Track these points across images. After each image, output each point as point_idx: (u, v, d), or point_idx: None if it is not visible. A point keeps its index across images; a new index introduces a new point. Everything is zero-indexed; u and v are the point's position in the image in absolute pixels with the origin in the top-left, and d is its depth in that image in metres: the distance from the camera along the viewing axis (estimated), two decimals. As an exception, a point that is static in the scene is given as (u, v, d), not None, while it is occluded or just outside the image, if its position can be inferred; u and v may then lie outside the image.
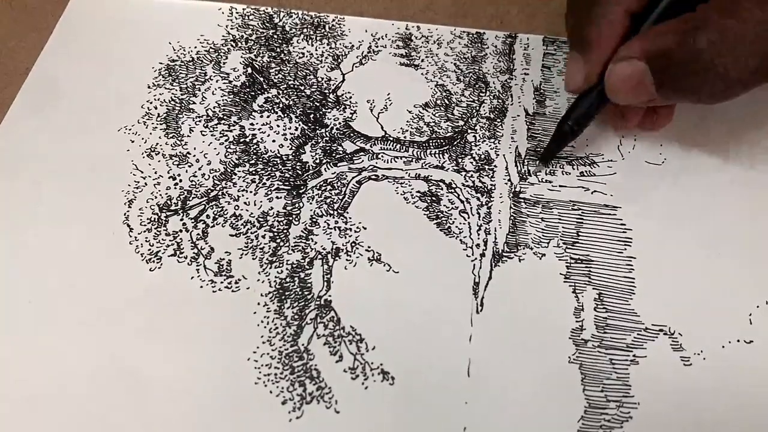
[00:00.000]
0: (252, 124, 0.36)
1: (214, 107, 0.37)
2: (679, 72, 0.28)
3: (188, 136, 0.36)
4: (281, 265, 0.32)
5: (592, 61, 0.31)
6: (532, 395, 0.29)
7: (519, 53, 0.39)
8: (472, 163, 0.35)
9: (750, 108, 0.37)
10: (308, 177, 0.35)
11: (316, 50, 0.39)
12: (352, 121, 0.37)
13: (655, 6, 0.30)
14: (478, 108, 0.37)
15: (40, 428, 0.28)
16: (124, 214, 0.33)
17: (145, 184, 0.34)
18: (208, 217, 0.33)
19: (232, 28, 0.40)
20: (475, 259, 0.32)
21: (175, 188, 0.34)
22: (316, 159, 0.35)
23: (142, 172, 0.35)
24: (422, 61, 0.39)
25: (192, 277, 0.32)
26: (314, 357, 0.30)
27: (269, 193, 0.34)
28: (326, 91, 0.38)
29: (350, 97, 0.37)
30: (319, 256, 0.32)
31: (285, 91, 0.38)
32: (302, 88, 0.38)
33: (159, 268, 0.32)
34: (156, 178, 0.35)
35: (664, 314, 0.31)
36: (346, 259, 0.32)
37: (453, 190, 0.34)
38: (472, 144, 0.36)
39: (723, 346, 0.30)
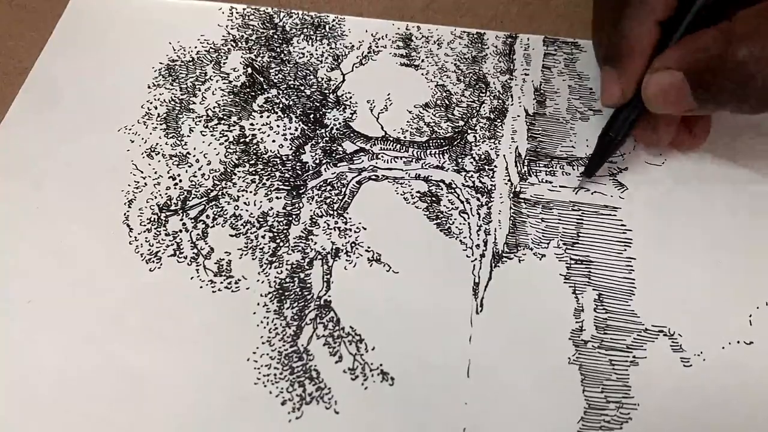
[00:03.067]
0: (252, 124, 0.36)
1: (214, 107, 0.37)
2: (718, 83, 0.28)
3: (188, 136, 0.36)
4: (281, 265, 0.32)
5: (627, 74, 0.31)
6: (532, 396, 0.29)
7: (519, 53, 0.39)
8: (472, 163, 0.35)
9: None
10: (308, 177, 0.35)
11: (317, 50, 0.39)
12: (352, 121, 0.37)
13: (684, 13, 0.30)
14: (478, 108, 0.37)
15: (40, 428, 0.28)
16: (124, 214, 0.33)
17: (145, 184, 0.34)
18: (207, 217, 0.33)
19: (232, 28, 0.40)
20: (475, 259, 0.32)
21: (175, 188, 0.34)
22: (316, 159, 0.35)
23: (142, 172, 0.35)
24: (422, 61, 0.39)
25: (192, 278, 0.32)
26: (314, 357, 0.30)
27: (269, 193, 0.34)
28: (326, 91, 0.38)
29: (350, 98, 0.37)
30: (319, 257, 0.32)
31: (285, 92, 0.38)
32: (302, 88, 0.38)
33: (159, 268, 0.32)
34: (156, 178, 0.35)
35: (664, 315, 0.31)
36: (346, 260, 0.32)
37: (453, 191, 0.34)
38: (472, 144, 0.36)
39: (723, 347, 0.30)
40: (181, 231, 0.33)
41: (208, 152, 0.35)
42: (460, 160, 0.35)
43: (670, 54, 0.30)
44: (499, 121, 0.37)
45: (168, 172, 0.35)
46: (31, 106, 0.37)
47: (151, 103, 0.37)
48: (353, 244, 0.33)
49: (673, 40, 0.30)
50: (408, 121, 0.37)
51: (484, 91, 0.38)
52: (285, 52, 0.39)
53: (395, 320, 0.31)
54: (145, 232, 0.33)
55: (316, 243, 0.33)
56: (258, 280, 0.32)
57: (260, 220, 0.33)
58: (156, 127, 0.36)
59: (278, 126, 0.36)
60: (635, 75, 0.31)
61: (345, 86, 0.38)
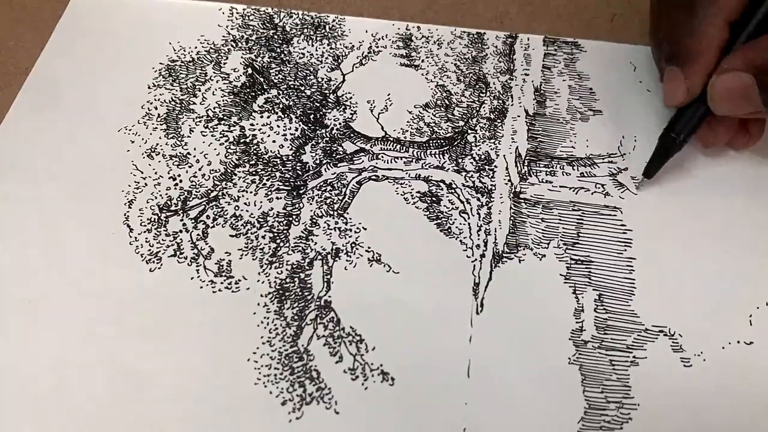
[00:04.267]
0: (252, 124, 0.36)
1: (214, 107, 0.37)
2: None
3: (188, 136, 0.36)
4: (281, 265, 0.32)
5: (694, 73, 0.31)
6: (532, 396, 0.29)
7: (519, 53, 0.39)
8: (472, 163, 0.35)
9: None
10: (308, 177, 0.35)
11: (317, 50, 0.39)
12: (352, 121, 0.37)
13: (753, 13, 0.30)
14: (478, 108, 0.37)
15: (39, 428, 0.28)
16: (124, 214, 0.33)
17: (145, 184, 0.34)
18: (208, 217, 0.33)
19: (232, 29, 0.40)
20: (476, 259, 0.32)
21: (175, 189, 0.34)
22: (317, 159, 0.35)
23: (142, 173, 0.35)
24: (422, 61, 0.39)
25: (192, 278, 0.32)
26: (314, 358, 0.30)
27: (269, 193, 0.34)
28: (326, 91, 0.38)
29: (350, 98, 0.37)
30: (319, 257, 0.32)
31: (285, 92, 0.38)
32: (302, 88, 0.38)
33: (159, 268, 0.32)
34: (156, 178, 0.35)
35: (664, 315, 0.31)
36: (346, 260, 0.32)
37: (453, 191, 0.34)
38: (473, 144, 0.36)
39: (723, 348, 0.30)
40: (181, 231, 0.33)
41: (209, 152, 0.35)
42: (460, 161, 0.35)
43: (738, 55, 0.29)
44: (499, 121, 0.37)
45: (168, 173, 0.35)
46: (32, 106, 0.37)
47: (151, 103, 0.37)
48: (353, 245, 0.33)
49: (740, 41, 0.30)
50: (408, 122, 0.37)
51: (484, 91, 0.38)
52: (285, 52, 0.39)
53: (395, 320, 0.31)
54: (145, 232, 0.33)
55: (316, 243, 0.33)
56: (258, 281, 0.32)
57: (260, 220, 0.33)
58: (156, 128, 0.36)
59: (278, 126, 0.36)
60: (703, 74, 0.31)
61: (345, 86, 0.38)
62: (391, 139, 0.36)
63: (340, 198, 0.34)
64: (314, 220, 0.33)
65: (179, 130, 0.36)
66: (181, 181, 0.34)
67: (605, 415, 0.29)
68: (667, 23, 0.33)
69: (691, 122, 0.32)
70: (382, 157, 0.36)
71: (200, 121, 0.36)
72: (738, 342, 0.30)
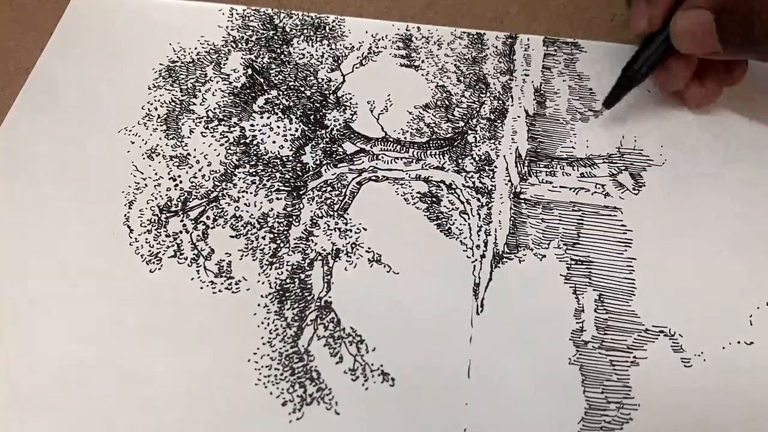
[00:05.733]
0: (252, 125, 0.36)
1: (214, 108, 0.37)
2: (742, 28, 0.29)
3: (188, 137, 0.36)
4: (281, 266, 0.32)
5: (656, 5, 0.32)
6: (533, 396, 0.29)
7: (519, 54, 0.39)
8: (472, 163, 0.35)
9: (751, 108, 0.37)
10: (308, 178, 0.35)
11: (317, 51, 0.39)
12: (352, 122, 0.37)
13: None
14: (478, 109, 0.37)
15: (40, 428, 0.28)
16: (125, 215, 0.33)
17: (146, 185, 0.34)
18: (208, 218, 0.33)
19: (232, 29, 0.40)
20: (476, 260, 0.32)
21: (176, 189, 0.34)
22: (317, 160, 0.35)
23: (142, 174, 0.35)
24: (422, 62, 0.39)
25: (192, 279, 0.32)
26: (314, 358, 0.30)
27: (269, 194, 0.34)
28: (326, 92, 0.38)
29: (350, 98, 0.37)
30: (320, 258, 0.32)
31: (285, 92, 0.38)
32: (302, 89, 0.38)
33: (159, 269, 0.32)
34: (156, 179, 0.35)
35: (664, 315, 0.31)
36: (347, 261, 0.32)
37: (453, 191, 0.34)
38: (473, 145, 0.36)
39: (723, 348, 0.30)
40: (181, 232, 0.33)
41: (209, 153, 0.35)
42: (460, 161, 0.35)
43: None
44: (499, 121, 0.37)
45: (168, 174, 0.35)
46: (32, 106, 0.37)
47: (151, 104, 0.37)
48: (354, 245, 0.33)
49: None
50: (408, 122, 0.37)
51: (484, 91, 0.38)
52: (285, 53, 0.39)
53: (396, 321, 0.31)
54: (145, 233, 0.33)
55: (316, 244, 0.33)
56: (258, 281, 0.32)
57: (261, 221, 0.33)
58: (156, 129, 0.36)
59: (278, 127, 0.36)
60: (664, 7, 0.32)
61: (345, 87, 0.38)
62: (391, 139, 0.36)
63: (340, 198, 0.34)
64: (314, 221, 0.33)
65: (179, 130, 0.36)
66: (181, 181, 0.34)
67: (606, 415, 0.29)
68: None
69: (652, 57, 0.33)
70: (382, 157, 0.36)
71: (200, 122, 0.36)
72: (738, 342, 0.30)
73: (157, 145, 0.36)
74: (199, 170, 0.35)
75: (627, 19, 0.35)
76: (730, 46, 0.30)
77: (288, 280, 0.32)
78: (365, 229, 0.33)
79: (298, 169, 0.35)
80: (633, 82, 0.34)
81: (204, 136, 0.36)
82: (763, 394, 0.29)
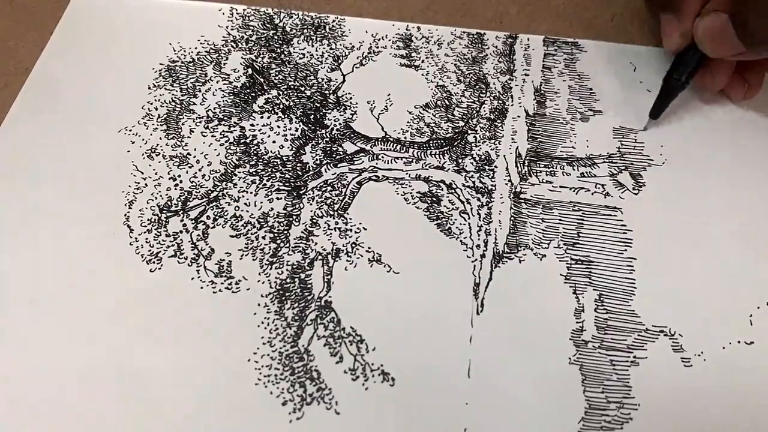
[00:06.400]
0: (252, 125, 0.36)
1: (214, 108, 0.37)
2: (758, 25, 0.29)
3: (188, 137, 0.36)
4: (281, 266, 0.32)
5: (685, 17, 0.33)
6: (533, 396, 0.29)
7: (519, 54, 0.39)
8: (472, 163, 0.35)
9: (751, 108, 0.37)
10: (308, 178, 0.35)
11: (317, 51, 0.39)
12: (352, 121, 0.37)
13: None
14: (478, 109, 0.37)
15: (40, 428, 0.28)
16: (125, 215, 0.33)
17: (146, 185, 0.34)
18: (208, 218, 0.33)
19: (232, 29, 0.40)
20: (476, 259, 0.32)
21: (176, 189, 0.34)
22: (317, 160, 0.35)
23: (142, 173, 0.35)
24: (422, 61, 0.39)
25: (192, 278, 0.32)
26: (315, 358, 0.30)
27: (269, 194, 0.34)
28: (326, 91, 0.38)
29: (350, 98, 0.37)
30: (320, 257, 0.32)
31: (285, 92, 0.38)
32: (303, 88, 0.38)
33: (159, 269, 0.32)
34: (156, 179, 0.35)
35: (664, 315, 0.31)
36: (347, 260, 0.32)
37: (453, 191, 0.34)
38: (473, 144, 0.36)
39: (723, 347, 0.30)
40: (181, 232, 0.33)
41: (209, 153, 0.35)
42: (460, 161, 0.35)
43: None
44: (499, 121, 0.37)
45: (168, 173, 0.35)
46: (32, 106, 0.37)
47: (151, 104, 0.37)
48: (354, 245, 0.33)
49: None
50: (408, 122, 0.37)
51: (484, 91, 0.38)
52: (285, 52, 0.39)
53: (396, 321, 0.31)
54: (145, 233, 0.33)
55: (316, 243, 0.33)
56: (259, 281, 0.32)
57: (261, 220, 0.33)
58: (156, 128, 0.36)
59: (279, 127, 0.36)
60: (692, 18, 0.33)
61: (345, 87, 0.38)
62: (392, 139, 0.36)
63: (341, 198, 0.34)
64: (314, 221, 0.33)
65: (179, 130, 0.36)
66: (181, 181, 0.34)
67: (606, 415, 0.29)
68: None
69: (690, 64, 0.34)
70: (383, 157, 0.36)
71: (200, 122, 0.36)
72: (738, 342, 0.30)
73: (157, 144, 0.36)
74: (199, 170, 0.35)
75: (660, 36, 0.36)
76: (752, 44, 0.30)
77: (288, 280, 0.32)
78: (365, 229, 0.33)
79: (298, 168, 0.35)
80: (675, 90, 0.35)
81: (204, 136, 0.36)
82: (763, 394, 0.29)
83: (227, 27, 0.40)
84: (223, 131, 0.36)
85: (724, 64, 0.34)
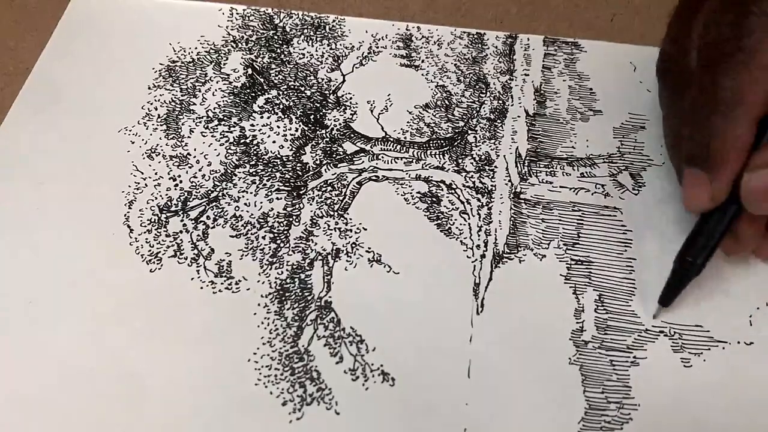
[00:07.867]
0: (252, 125, 0.36)
1: (214, 108, 0.37)
2: None
3: (188, 137, 0.36)
4: (281, 266, 0.32)
5: (720, 178, 0.28)
6: (533, 396, 0.29)
7: (519, 54, 0.39)
8: (472, 163, 0.35)
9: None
10: (308, 178, 0.35)
11: (317, 51, 0.39)
12: (352, 121, 0.37)
13: None
14: (478, 109, 0.37)
15: (40, 428, 0.28)
16: (125, 215, 0.33)
17: (146, 185, 0.34)
18: (208, 218, 0.33)
19: (232, 29, 0.40)
20: (476, 260, 0.32)
21: (176, 189, 0.34)
22: (317, 160, 0.35)
23: (142, 173, 0.35)
24: (422, 61, 0.39)
25: (192, 278, 0.32)
26: (314, 358, 0.30)
27: (269, 194, 0.34)
28: (326, 92, 0.38)
29: (350, 98, 0.37)
30: (320, 257, 0.32)
31: (285, 92, 0.38)
32: (302, 89, 0.38)
33: (159, 269, 0.32)
34: (156, 179, 0.35)
35: (664, 315, 0.31)
36: (347, 260, 0.32)
37: (453, 191, 0.34)
38: (473, 145, 0.36)
39: (723, 348, 0.30)
40: (181, 232, 0.33)
41: (209, 153, 0.35)
42: (460, 161, 0.35)
43: None
44: (499, 121, 0.37)
45: (168, 173, 0.35)
46: (32, 106, 0.37)
47: (151, 104, 0.37)
48: (354, 245, 0.33)
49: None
50: (408, 122, 0.37)
51: (484, 91, 0.38)
52: (285, 52, 0.39)
53: (396, 321, 0.31)
54: (145, 233, 0.33)
55: (316, 244, 0.33)
56: (258, 281, 0.32)
57: (261, 221, 0.33)
58: (156, 128, 0.36)
59: (278, 127, 0.36)
60: (730, 179, 0.28)
61: (345, 87, 0.38)
62: (392, 139, 0.36)
63: (341, 198, 0.34)
64: (314, 221, 0.33)
65: (179, 130, 0.36)
66: (181, 181, 0.34)
67: (606, 415, 0.29)
68: (681, 121, 0.30)
69: (712, 238, 0.29)
70: (383, 157, 0.36)
71: (200, 122, 0.36)
72: (738, 342, 0.30)
73: (157, 144, 0.36)
74: (199, 170, 0.35)
75: (682, 198, 0.30)
76: None
77: (288, 280, 0.32)
78: (365, 229, 0.33)
79: (298, 169, 0.35)
80: (690, 275, 0.30)
81: (204, 136, 0.36)
82: (763, 394, 0.29)
83: (227, 27, 0.40)
84: (223, 131, 0.36)
85: (755, 226, 0.30)
